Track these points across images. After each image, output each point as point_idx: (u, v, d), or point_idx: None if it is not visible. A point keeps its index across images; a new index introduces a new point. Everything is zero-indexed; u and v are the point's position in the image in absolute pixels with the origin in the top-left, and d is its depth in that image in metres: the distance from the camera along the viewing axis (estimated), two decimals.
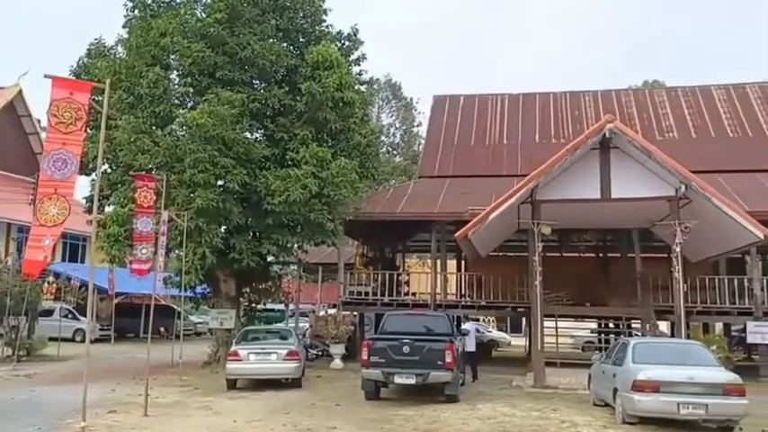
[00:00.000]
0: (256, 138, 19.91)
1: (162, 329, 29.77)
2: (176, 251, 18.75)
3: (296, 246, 20.37)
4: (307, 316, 31.30)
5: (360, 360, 13.70)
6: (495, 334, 34.57)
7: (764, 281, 20.27)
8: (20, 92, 34.14)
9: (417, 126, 51.13)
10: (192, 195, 17.08)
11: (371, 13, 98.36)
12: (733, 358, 15.75)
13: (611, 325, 24.15)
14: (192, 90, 18.94)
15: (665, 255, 20.14)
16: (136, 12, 19.98)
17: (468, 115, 27.77)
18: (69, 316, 27.83)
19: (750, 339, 19.37)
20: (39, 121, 34.15)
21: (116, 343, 27.83)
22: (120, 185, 18.73)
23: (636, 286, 20.09)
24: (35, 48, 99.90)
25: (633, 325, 21.05)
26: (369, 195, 21.80)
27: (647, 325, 18.63)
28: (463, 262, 25.79)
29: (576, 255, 27.10)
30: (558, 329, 20.10)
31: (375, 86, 45.68)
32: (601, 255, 25.64)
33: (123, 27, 20.19)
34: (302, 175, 17.34)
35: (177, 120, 18.56)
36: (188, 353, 20.17)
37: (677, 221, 15.42)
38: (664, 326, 20.16)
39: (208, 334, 28.93)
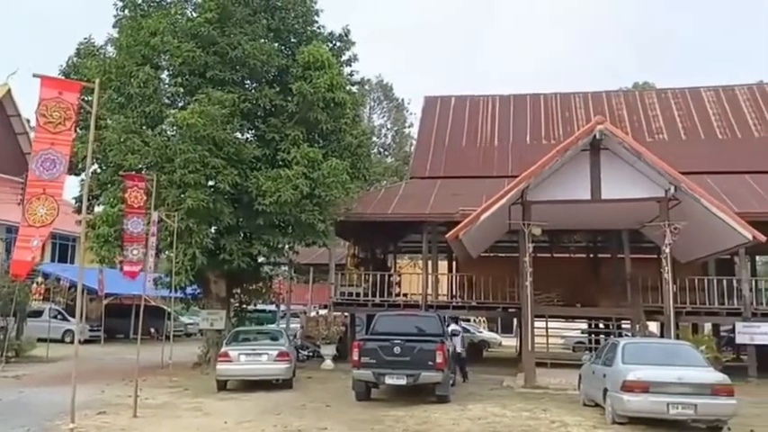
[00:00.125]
0: (247, 138, 19.86)
1: (152, 330, 29.65)
2: (166, 252, 18.66)
3: (287, 246, 20.36)
4: (298, 317, 31.25)
5: (351, 361, 13.69)
6: (486, 334, 34.62)
7: (753, 282, 20.45)
8: (8, 91, 33.92)
9: (409, 127, 51.24)
10: (182, 196, 17.01)
11: (373, 12, 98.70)
12: (722, 359, 15.86)
13: (601, 325, 24.25)
14: (182, 90, 18.88)
15: (655, 256, 20.28)
16: (126, 11, 19.91)
17: (459, 116, 27.81)
18: (58, 317, 27.67)
19: (739, 340, 19.51)
20: (28, 121, 33.92)
21: (106, 344, 27.70)
22: (109, 185, 18.63)
23: (626, 287, 20.18)
24: (34, 48, 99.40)
25: (623, 325, 21.14)
26: (360, 196, 21.79)
27: (637, 325, 18.71)
28: (454, 263, 25.81)
29: (567, 255, 27.20)
30: (549, 330, 20.14)
31: (366, 87, 45.74)
32: (591, 255, 25.74)
33: (113, 26, 20.14)
34: (293, 175, 17.31)
35: (167, 120, 18.48)
36: (178, 354, 20.10)
37: (667, 222, 15.51)
38: (653, 326, 20.24)
39: (198, 335, 28.85)
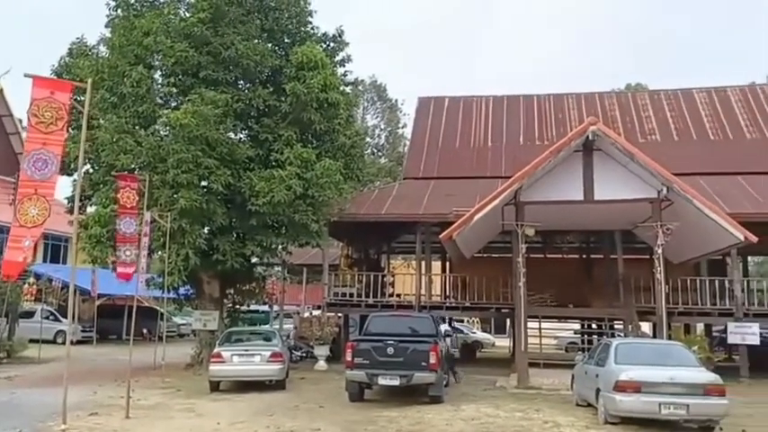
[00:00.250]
0: (240, 138, 19.82)
1: (145, 331, 29.54)
2: (159, 252, 18.60)
3: (280, 247, 20.33)
4: (291, 317, 31.21)
5: (344, 361, 13.68)
6: (480, 335, 34.69)
7: (745, 282, 20.53)
8: (0, 91, 33.74)
9: (402, 128, 51.28)
10: (175, 196, 16.96)
11: (370, 13, 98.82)
12: (714, 359, 15.91)
13: (593, 326, 24.30)
14: (175, 90, 18.82)
15: (648, 256, 20.25)
16: (119, 11, 19.85)
17: (452, 117, 27.84)
18: (51, 317, 27.54)
19: (731, 340, 19.58)
20: (20, 121, 33.77)
21: (98, 345, 27.59)
22: (102, 186, 18.57)
23: (618, 287, 20.22)
24: (32, 48, 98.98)
25: (615, 326, 21.19)
26: (353, 196, 21.77)
27: (630, 326, 18.77)
28: (448, 263, 25.83)
29: (560, 256, 27.29)
30: (542, 330, 20.15)
31: (360, 88, 45.73)
32: (584, 256, 25.80)
33: (106, 26, 20.07)
34: (286, 176, 17.29)
35: (160, 120, 18.43)
36: (171, 354, 20.02)
37: (659, 223, 15.56)
38: (646, 327, 20.33)
39: (191, 335, 28.76)
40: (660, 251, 15.60)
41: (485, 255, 23.52)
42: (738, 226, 15.15)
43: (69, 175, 19.63)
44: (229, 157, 17.88)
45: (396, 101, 52.98)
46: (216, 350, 15.35)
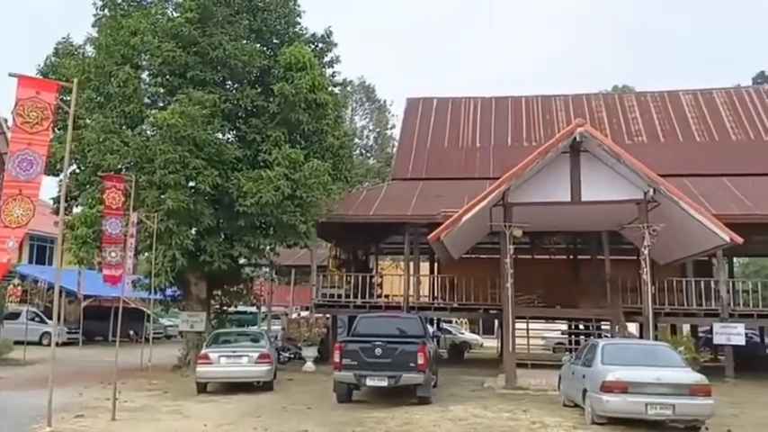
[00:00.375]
0: (228, 139, 19.76)
1: (131, 333, 29.41)
2: (146, 253, 18.50)
3: (268, 248, 20.28)
4: (279, 318, 31.13)
5: (332, 363, 13.66)
6: (468, 336, 34.77)
7: (730, 283, 20.70)
8: None
9: (391, 129, 51.21)
10: (162, 197, 16.88)
11: (369, 12, 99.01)
12: (700, 359, 15.98)
13: (581, 326, 24.42)
14: (162, 90, 18.75)
15: (634, 257, 20.49)
16: (106, 11, 19.74)
17: (441, 118, 27.89)
18: (36, 319, 27.35)
19: (716, 340, 19.70)
20: (5, 121, 33.44)
21: (84, 346, 27.43)
22: (88, 186, 18.43)
23: (605, 288, 20.33)
24: (19, 48, 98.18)
25: (602, 326, 21.30)
26: (342, 197, 21.76)
27: (616, 326, 18.85)
28: (436, 264, 25.87)
29: (547, 257, 27.40)
30: (530, 331, 20.22)
31: (349, 89, 45.70)
32: (571, 257, 25.92)
33: (93, 26, 19.95)
34: (274, 176, 17.25)
35: (147, 120, 18.34)
36: (158, 356, 19.89)
37: (645, 224, 15.64)
38: (632, 327, 20.42)
39: (178, 337, 28.64)
40: (647, 252, 15.68)
41: (473, 256, 23.58)
42: (724, 227, 15.26)
43: (55, 175, 19.46)
44: (217, 157, 17.81)
45: (384, 101, 53.03)
46: (203, 351, 15.28)
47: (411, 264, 21.98)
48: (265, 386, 15.11)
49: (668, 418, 10.32)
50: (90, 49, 20.02)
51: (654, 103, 27.07)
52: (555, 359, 20.11)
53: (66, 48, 20.48)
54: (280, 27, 20.57)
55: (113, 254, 13.40)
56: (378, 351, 12.77)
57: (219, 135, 19.01)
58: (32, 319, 26.29)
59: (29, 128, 8.61)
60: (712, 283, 20.14)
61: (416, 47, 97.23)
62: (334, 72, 21.60)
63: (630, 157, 15.82)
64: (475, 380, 17.28)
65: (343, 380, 13.07)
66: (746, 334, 19.81)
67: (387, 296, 24.18)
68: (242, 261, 20.74)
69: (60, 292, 10.28)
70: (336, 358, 13.05)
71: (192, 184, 17.60)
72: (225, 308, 22.21)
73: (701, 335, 24.89)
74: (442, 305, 22.16)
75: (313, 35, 21.27)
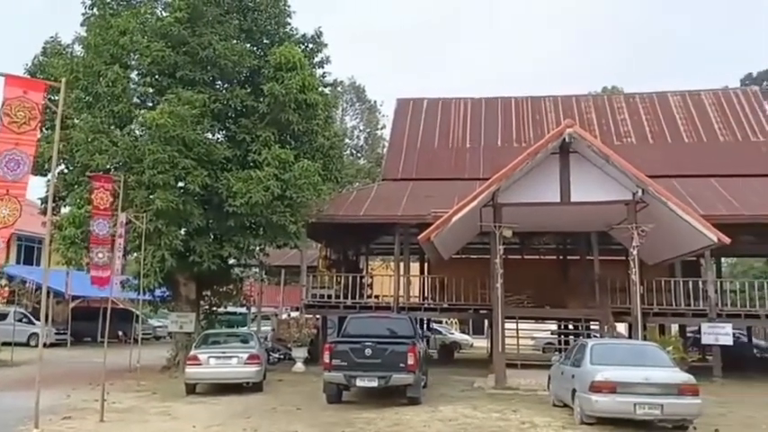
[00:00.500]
0: (218, 139, 19.71)
1: (120, 333, 29.22)
2: (135, 254, 18.42)
3: (258, 248, 20.23)
4: (269, 319, 31.06)
5: (322, 363, 13.64)
6: (458, 336, 34.82)
7: (718, 283, 20.82)
8: None
9: (381, 129, 51.18)
10: (151, 197, 16.82)
11: (373, 12, 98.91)
12: (688, 359, 16.06)
13: (570, 326, 24.51)
14: (151, 90, 18.69)
15: (623, 257, 20.57)
16: (95, 10, 19.61)
17: (431, 119, 27.92)
18: (24, 320, 27.16)
19: (704, 340, 19.82)
20: None
21: (72, 347, 27.26)
22: (76, 186, 18.34)
23: (594, 288, 20.42)
24: (6, 47, 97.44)
25: (592, 326, 21.39)
26: (332, 198, 21.74)
27: (605, 326, 18.93)
28: (426, 264, 25.89)
29: (537, 257, 27.48)
30: (519, 331, 20.27)
31: (339, 89, 45.64)
32: (560, 257, 26.02)
33: (81, 25, 19.83)
34: (264, 176, 17.22)
35: (136, 120, 18.27)
36: (147, 357, 19.79)
37: (634, 225, 15.71)
38: (621, 327, 20.50)
39: (167, 338, 28.51)
40: (635, 252, 15.76)
41: (463, 256, 23.61)
42: (712, 228, 15.35)
43: (43, 175, 19.34)
44: (206, 157, 17.76)
45: (375, 102, 53.03)
46: (192, 352, 15.22)
47: (401, 264, 21.99)
48: (255, 387, 15.06)
49: (656, 417, 10.37)
50: (78, 49, 19.92)
51: (642, 104, 27.22)
52: (544, 359, 20.16)
53: (54, 47, 20.37)
54: (270, 27, 20.54)
55: (100, 255, 13.30)
56: (368, 352, 12.77)
57: (209, 135, 18.96)
58: (20, 320, 26.11)
59: (16, 127, 8.55)
60: (700, 283, 20.28)
61: (410, 47, 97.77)
62: (324, 72, 21.66)
63: (619, 158, 15.90)
64: (465, 380, 17.30)
65: (333, 380, 13.06)
66: (734, 334, 19.95)
67: (377, 297, 24.18)
68: (231, 261, 20.69)
69: (48, 292, 10.17)
70: (326, 359, 13.04)
71: (181, 184, 17.54)
72: (214, 308, 22.16)
73: (689, 335, 25.06)
74: (432, 305, 22.17)
75: (303, 35, 21.25)
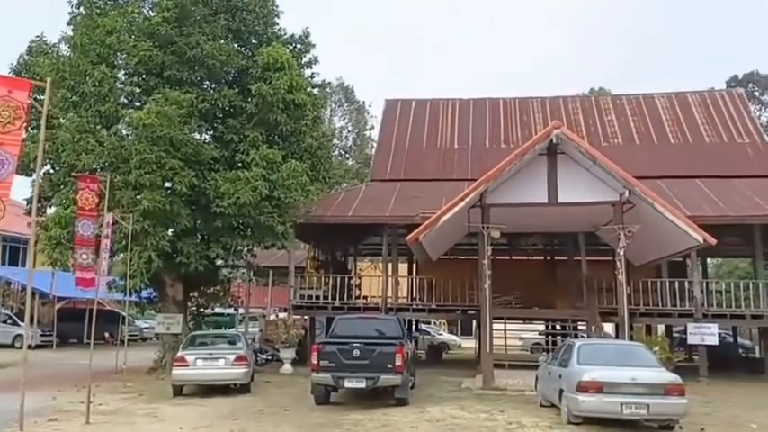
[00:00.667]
0: (205, 139, 19.61)
1: (106, 335, 29.04)
2: (121, 254, 18.30)
3: (245, 249, 20.15)
4: (257, 320, 30.96)
5: (310, 364, 13.61)
6: (446, 336, 34.89)
7: (704, 284, 20.98)
8: None
9: (370, 130, 51.23)
10: (138, 197, 16.71)
11: (373, 12, 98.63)
12: (674, 359, 16.21)
13: (557, 327, 24.60)
14: (138, 90, 18.56)
15: (610, 258, 20.60)
16: (81, 9, 19.47)
17: (419, 120, 27.95)
18: (9, 321, 26.95)
19: (690, 340, 19.97)
20: None
21: (58, 349, 27.04)
22: (62, 186, 18.21)
23: (581, 289, 20.53)
24: (6, 47, 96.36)
25: (579, 327, 21.50)
26: (320, 198, 21.70)
27: (592, 327, 19.04)
28: (414, 265, 25.92)
29: (525, 258, 27.56)
30: (507, 331, 20.32)
31: (328, 90, 45.61)
32: (548, 258, 26.13)
33: (68, 24, 19.67)
34: (252, 177, 17.16)
35: (123, 120, 18.13)
36: (133, 359, 19.68)
37: (621, 226, 15.80)
38: (608, 327, 20.64)
39: (154, 339, 28.36)
40: (622, 253, 15.86)
41: (451, 257, 23.66)
42: (698, 228, 15.45)
43: (28, 175, 19.14)
44: (194, 157, 17.67)
45: (363, 103, 53.06)
46: (179, 354, 15.13)
47: (389, 265, 22.01)
48: (242, 388, 15.02)
49: (643, 417, 10.44)
50: (65, 48, 19.79)
51: (629, 105, 27.39)
52: (532, 359, 20.18)
53: (40, 46, 20.24)
54: (258, 27, 20.48)
55: (84, 256, 13.18)
56: (356, 352, 12.75)
57: (196, 135, 18.88)
58: (5, 322, 25.92)
59: (0, 127, 8.48)
60: (686, 283, 20.40)
61: (410, 48, 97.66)
62: (312, 73, 21.64)
63: (606, 160, 15.98)
64: (453, 381, 17.33)
65: (320, 381, 13.03)
66: (720, 334, 20.10)
67: (365, 297, 24.18)
68: (219, 262, 20.60)
69: (33, 293, 10.12)
70: (314, 360, 13.00)
71: (168, 184, 17.46)
72: (202, 309, 22.06)
73: (675, 335, 25.26)
74: (420, 306, 22.19)
75: (291, 36, 21.23)
